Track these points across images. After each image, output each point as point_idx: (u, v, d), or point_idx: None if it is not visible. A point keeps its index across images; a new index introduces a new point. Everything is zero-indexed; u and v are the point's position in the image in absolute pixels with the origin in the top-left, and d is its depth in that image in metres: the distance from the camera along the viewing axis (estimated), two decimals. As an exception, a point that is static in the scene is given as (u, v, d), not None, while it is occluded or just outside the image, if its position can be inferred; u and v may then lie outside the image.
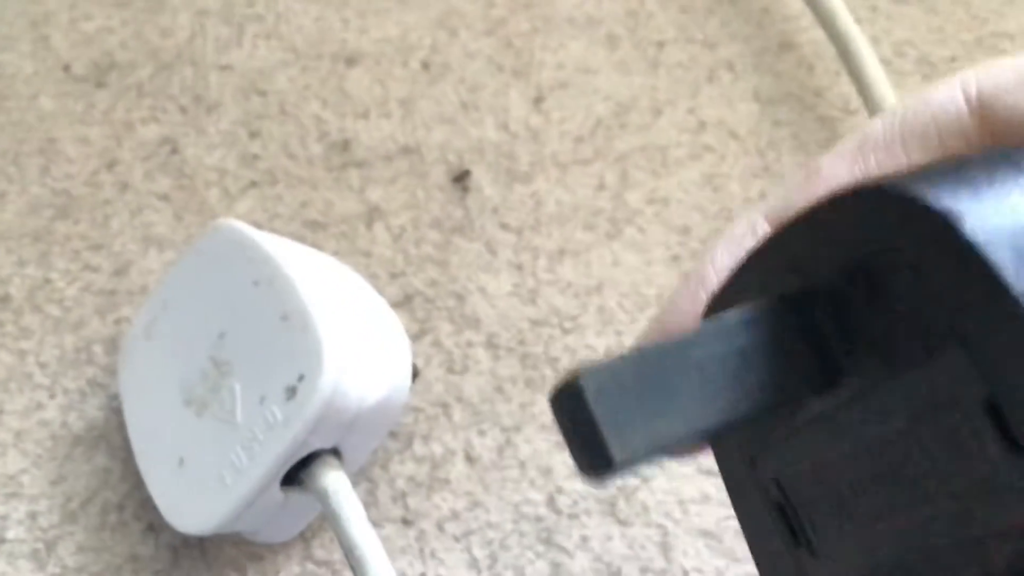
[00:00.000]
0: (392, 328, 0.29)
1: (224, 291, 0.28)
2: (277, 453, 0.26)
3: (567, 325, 0.34)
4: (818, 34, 0.41)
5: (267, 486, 0.26)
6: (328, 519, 0.27)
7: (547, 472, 0.31)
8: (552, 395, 0.13)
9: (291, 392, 0.26)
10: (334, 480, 0.27)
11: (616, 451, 0.12)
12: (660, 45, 0.41)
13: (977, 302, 0.12)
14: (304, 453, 0.26)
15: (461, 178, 0.37)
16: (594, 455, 0.13)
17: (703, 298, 0.17)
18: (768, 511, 0.16)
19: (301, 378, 0.26)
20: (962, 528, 0.13)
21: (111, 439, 0.31)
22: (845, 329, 0.14)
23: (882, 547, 0.15)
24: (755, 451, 0.16)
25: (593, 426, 0.12)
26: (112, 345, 0.32)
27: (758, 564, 0.17)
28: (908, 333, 0.13)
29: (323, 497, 0.27)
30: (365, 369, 0.27)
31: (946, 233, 0.12)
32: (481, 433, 0.32)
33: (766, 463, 0.16)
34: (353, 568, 0.26)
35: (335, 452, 0.27)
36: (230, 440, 0.27)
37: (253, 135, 0.37)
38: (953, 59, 0.42)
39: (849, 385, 0.14)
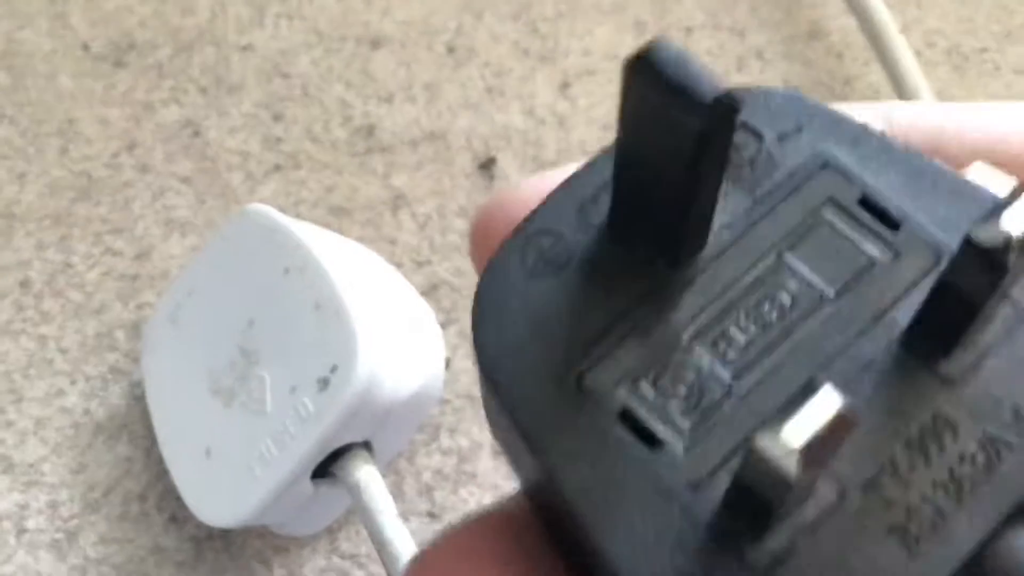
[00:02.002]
0: (424, 318, 0.29)
1: (253, 278, 0.28)
2: (309, 446, 0.25)
3: (596, 316, 0.33)
4: (848, 22, 0.41)
5: (297, 479, 0.26)
6: (359, 513, 0.26)
7: (577, 466, 0.31)
8: (631, 63, 0.12)
9: (324, 383, 0.25)
10: (365, 474, 0.26)
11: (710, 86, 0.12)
12: (688, 31, 0.40)
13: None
14: (336, 446, 0.26)
15: (487, 165, 0.36)
16: (692, 91, 0.12)
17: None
18: (605, 426, 0.14)
19: (334, 369, 0.25)
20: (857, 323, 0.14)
21: (133, 427, 0.31)
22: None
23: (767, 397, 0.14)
24: (582, 366, 0.14)
25: (684, 66, 0.12)
26: (134, 331, 0.32)
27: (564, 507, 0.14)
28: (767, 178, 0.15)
29: (355, 491, 0.26)
30: (399, 360, 0.26)
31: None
32: (509, 425, 0.31)
33: (605, 372, 0.14)
34: (385, 564, 0.26)
35: (366, 445, 0.27)
36: (259, 431, 0.26)
37: (276, 118, 0.36)
38: (983, 50, 0.41)
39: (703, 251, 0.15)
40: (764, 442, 0.11)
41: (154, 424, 0.29)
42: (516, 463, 0.15)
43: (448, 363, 0.31)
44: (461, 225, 0.35)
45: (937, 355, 0.14)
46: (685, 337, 0.14)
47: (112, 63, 0.37)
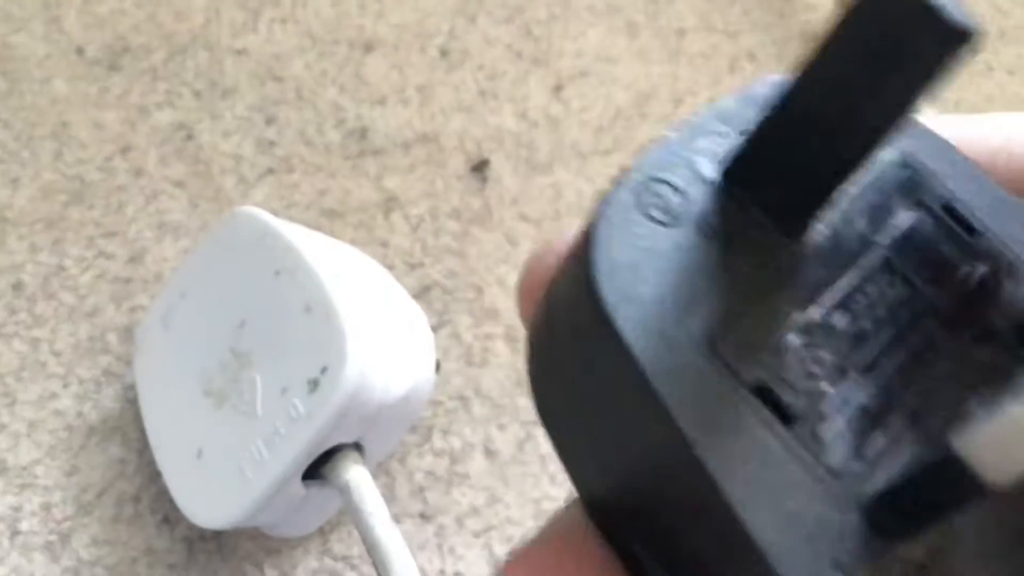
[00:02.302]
0: (415, 320, 0.29)
1: (244, 280, 0.28)
2: (299, 447, 0.25)
3: (588, 318, 0.33)
4: (841, 24, 0.41)
5: (288, 480, 0.26)
6: (350, 514, 0.26)
7: (568, 467, 0.31)
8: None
9: (314, 385, 0.25)
10: (356, 475, 0.26)
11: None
12: (681, 34, 0.40)
13: None
14: (326, 447, 0.26)
15: (480, 167, 0.36)
16: (937, 23, 0.12)
17: None
18: (740, 399, 0.13)
19: (324, 370, 0.25)
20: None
21: (126, 430, 0.31)
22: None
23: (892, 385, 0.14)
24: (713, 331, 0.14)
25: None
26: (127, 334, 0.32)
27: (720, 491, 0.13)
28: None
29: (345, 492, 0.26)
30: (389, 362, 0.26)
31: None
32: (501, 427, 0.32)
33: (736, 340, 0.14)
34: (376, 565, 0.26)
35: (357, 446, 0.27)
36: (250, 433, 0.26)
37: (269, 121, 0.36)
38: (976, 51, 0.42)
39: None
40: (970, 448, 0.11)
41: (146, 426, 0.29)
42: (607, 436, 0.14)
43: (439, 365, 0.31)
44: (454, 227, 0.35)
45: None
46: (815, 317, 0.14)
47: (106, 67, 0.37)
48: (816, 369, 0.14)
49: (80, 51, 0.37)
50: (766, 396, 0.13)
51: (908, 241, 0.15)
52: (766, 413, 0.13)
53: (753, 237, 0.14)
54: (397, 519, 0.29)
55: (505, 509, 0.30)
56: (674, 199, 0.14)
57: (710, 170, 0.14)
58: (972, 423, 0.12)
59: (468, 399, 0.32)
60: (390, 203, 0.35)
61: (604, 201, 0.14)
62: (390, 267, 0.33)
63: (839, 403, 0.14)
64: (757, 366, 0.13)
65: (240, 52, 0.38)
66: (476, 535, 0.30)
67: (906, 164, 0.15)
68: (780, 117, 0.14)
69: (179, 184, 0.35)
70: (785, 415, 0.13)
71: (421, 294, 0.33)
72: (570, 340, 0.14)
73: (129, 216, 0.34)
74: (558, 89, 0.38)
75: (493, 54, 0.39)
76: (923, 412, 0.14)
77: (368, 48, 0.38)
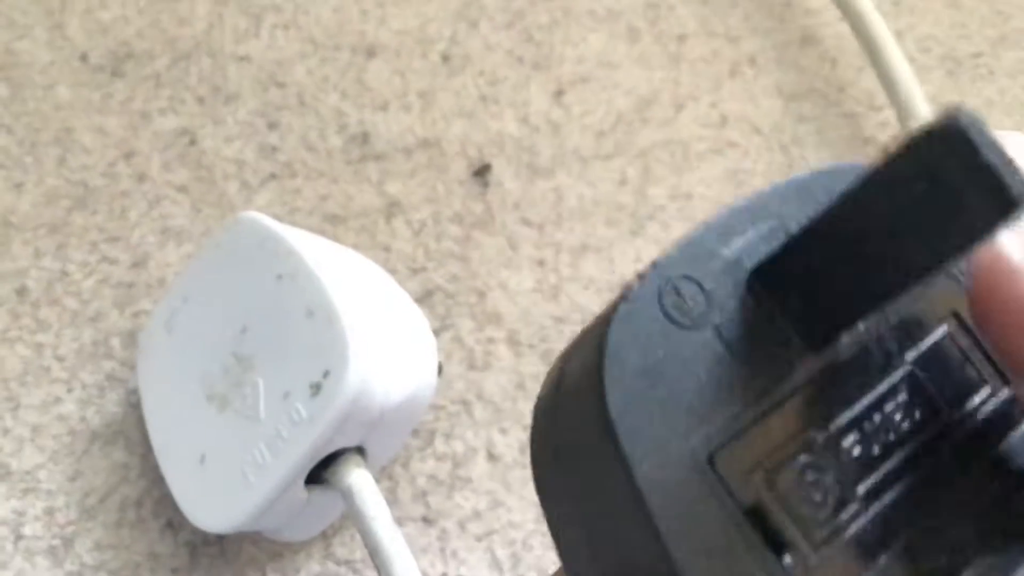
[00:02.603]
0: (417, 324, 0.29)
1: (246, 285, 0.28)
2: (302, 451, 0.25)
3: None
4: (842, 28, 0.41)
5: (291, 484, 0.26)
6: (353, 518, 0.26)
7: (570, 471, 0.31)
8: (927, 137, 0.12)
9: (316, 389, 0.25)
10: (359, 479, 0.26)
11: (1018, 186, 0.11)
12: (681, 39, 0.40)
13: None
14: (329, 451, 0.26)
15: (481, 172, 0.36)
16: (998, 193, 0.11)
17: None
18: (732, 522, 0.13)
19: (326, 374, 0.25)
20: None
21: (129, 434, 0.31)
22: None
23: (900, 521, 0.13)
24: (714, 444, 0.13)
25: (1002, 152, 0.11)
26: (130, 339, 0.32)
27: None
28: None
29: (348, 496, 0.26)
30: (391, 366, 0.26)
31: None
32: (503, 431, 0.32)
33: (737, 456, 0.13)
34: (378, 568, 0.26)
35: (360, 450, 0.27)
36: (253, 437, 0.26)
37: (272, 127, 0.37)
38: (978, 55, 0.42)
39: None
40: None
41: (149, 430, 0.29)
42: (598, 536, 0.14)
43: (442, 369, 0.32)
44: (456, 231, 0.35)
45: None
46: (822, 437, 0.14)
47: (109, 73, 0.37)
48: (816, 495, 0.13)
49: (83, 57, 0.37)
50: (759, 520, 0.13)
51: (936, 355, 0.14)
52: (756, 539, 0.13)
53: (774, 347, 0.14)
54: (399, 523, 0.29)
55: (507, 513, 0.30)
56: (698, 299, 0.14)
57: (739, 268, 0.14)
58: None
59: (470, 403, 0.32)
60: (392, 208, 0.35)
61: (626, 296, 0.14)
62: (392, 272, 0.33)
63: (833, 533, 0.13)
64: (754, 487, 0.13)
65: (243, 58, 0.38)
66: (478, 539, 0.30)
67: (949, 273, 0.15)
68: (820, 231, 0.13)
69: (182, 189, 0.35)
70: (776, 542, 0.13)
71: (423, 298, 0.33)
72: (573, 431, 0.14)
73: (132, 221, 0.34)
74: (559, 94, 0.38)
75: (494, 59, 0.39)
76: (920, 552, 0.13)
77: (370, 54, 0.39)
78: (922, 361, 0.14)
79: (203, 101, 0.37)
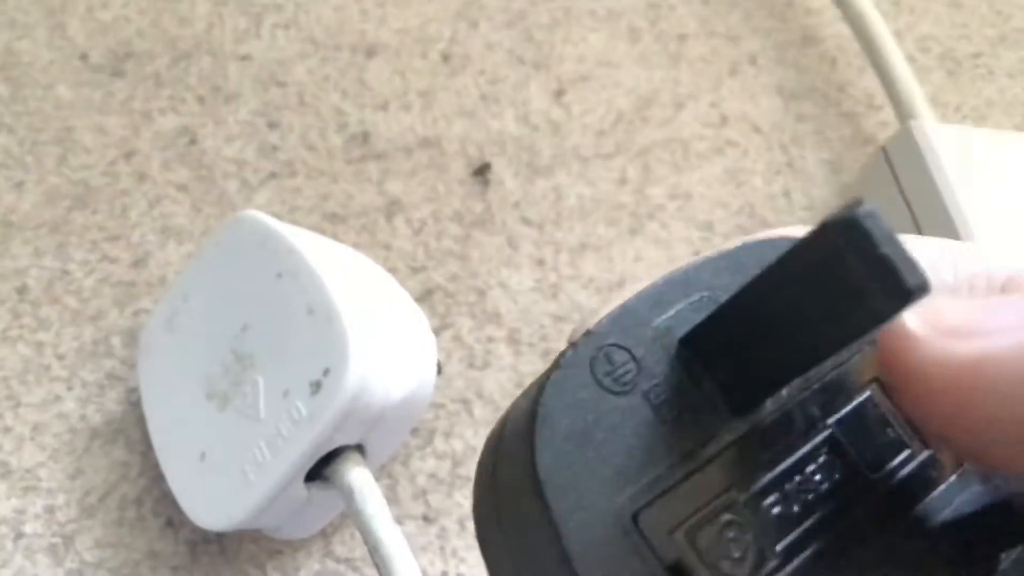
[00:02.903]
0: (417, 322, 0.29)
1: (247, 283, 0.28)
2: (301, 449, 0.25)
3: (590, 321, 0.33)
4: (841, 28, 0.41)
5: (291, 482, 0.26)
6: (352, 516, 0.26)
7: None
8: (839, 223, 0.12)
9: (316, 387, 0.25)
10: (358, 477, 0.26)
11: (912, 278, 0.12)
12: (682, 38, 0.40)
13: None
14: (328, 449, 0.26)
15: (481, 171, 0.36)
16: (894, 284, 0.12)
17: None
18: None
19: (326, 372, 0.25)
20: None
21: (129, 433, 0.31)
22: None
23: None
24: (639, 504, 0.14)
25: (899, 246, 0.12)
26: (131, 337, 0.32)
27: None
28: None
29: (347, 494, 0.26)
30: (391, 364, 0.26)
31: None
32: (503, 429, 0.32)
33: (660, 515, 0.14)
34: (378, 566, 0.26)
35: (359, 448, 0.27)
36: (253, 435, 0.26)
37: (272, 126, 0.37)
38: (977, 55, 0.42)
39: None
40: None
41: (149, 429, 0.29)
42: None
43: (441, 368, 0.32)
44: (456, 231, 0.35)
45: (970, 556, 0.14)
46: (744, 497, 0.14)
47: (110, 73, 0.37)
48: (736, 552, 0.14)
49: (84, 57, 0.37)
50: (680, 574, 0.13)
51: (857, 419, 0.15)
52: None
53: (701, 411, 0.15)
54: (399, 521, 0.30)
55: (507, 511, 0.30)
56: (629, 366, 0.15)
57: (670, 338, 0.15)
58: None
59: (470, 402, 0.32)
60: (392, 207, 0.35)
61: (559, 364, 0.14)
62: (392, 270, 0.33)
63: None
64: (676, 544, 0.14)
65: (243, 58, 0.38)
66: (478, 537, 0.30)
67: (873, 340, 0.15)
68: (741, 305, 0.14)
69: (182, 188, 0.35)
70: None
71: (423, 297, 0.33)
72: (508, 492, 0.15)
73: (133, 220, 0.34)
74: (559, 93, 0.38)
75: (495, 59, 0.39)
76: None
77: (370, 53, 0.39)
78: (844, 425, 0.15)
79: (203, 100, 0.37)
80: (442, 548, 0.30)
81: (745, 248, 0.16)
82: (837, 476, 0.15)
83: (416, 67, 0.38)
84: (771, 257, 0.13)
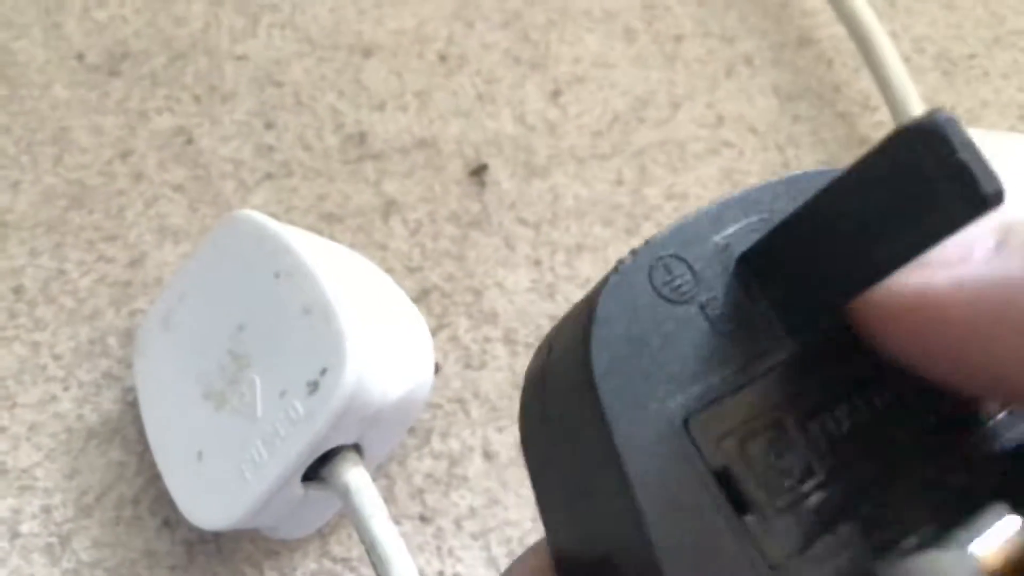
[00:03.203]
0: (414, 322, 0.29)
1: (243, 283, 0.28)
2: (298, 448, 0.25)
3: (586, 321, 0.33)
4: (837, 29, 0.41)
5: (288, 482, 0.26)
6: (349, 516, 0.26)
7: (567, 469, 0.31)
8: (918, 129, 0.13)
9: (313, 386, 0.25)
10: (355, 476, 0.26)
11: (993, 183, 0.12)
12: (678, 39, 0.41)
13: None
14: (325, 448, 0.26)
15: (478, 172, 0.36)
16: (971, 191, 0.12)
17: None
18: (701, 482, 0.14)
19: (323, 372, 0.25)
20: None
21: (126, 432, 0.31)
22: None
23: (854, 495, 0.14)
24: (690, 410, 0.14)
25: (978, 152, 0.12)
26: (127, 337, 0.32)
27: (665, 550, 0.14)
28: None
29: (344, 493, 0.26)
30: (388, 363, 0.26)
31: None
32: (499, 430, 0.32)
33: (711, 423, 0.14)
34: (375, 565, 0.26)
35: (356, 448, 0.27)
36: (250, 434, 0.26)
37: (268, 126, 0.37)
38: (972, 56, 0.42)
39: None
40: (949, 561, 0.12)
41: (146, 428, 0.29)
42: (576, 494, 0.15)
43: (439, 368, 0.32)
44: (452, 231, 0.35)
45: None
46: (794, 414, 0.14)
47: (106, 72, 0.37)
48: (783, 464, 0.14)
49: (80, 57, 0.37)
50: (726, 482, 0.14)
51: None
52: (723, 499, 0.14)
53: (757, 328, 0.15)
54: (396, 521, 0.30)
55: (504, 511, 0.31)
56: (686, 278, 0.15)
57: (728, 255, 0.15)
58: (897, 562, 0.12)
59: (467, 402, 0.32)
60: (389, 207, 0.35)
61: (618, 269, 0.14)
62: (389, 271, 0.33)
63: (796, 500, 0.14)
64: (724, 452, 0.14)
65: (240, 57, 0.38)
66: (475, 537, 0.30)
67: (1002, 197, 0.15)
68: (803, 221, 0.14)
69: (179, 188, 0.35)
70: (741, 503, 0.14)
71: (420, 297, 0.33)
72: (559, 393, 0.15)
73: (129, 220, 0.34)
74: (556, 94, 0.39)
75: (491, 59, 0.39)
76: (877, 526, 0.14)
77: (367, 53, 0.39)
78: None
79: (200, 100, 0.37)
80: (439, 548, 0.30)
81: (806, 175, 0.16)
82: (887, 403, 0.15)
83: (412, 67, 0.38)
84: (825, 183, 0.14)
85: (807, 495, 0.14)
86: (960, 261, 0.14)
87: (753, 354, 0.14)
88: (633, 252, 0.15)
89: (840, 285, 0.14)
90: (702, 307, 0.14)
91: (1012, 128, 0.40)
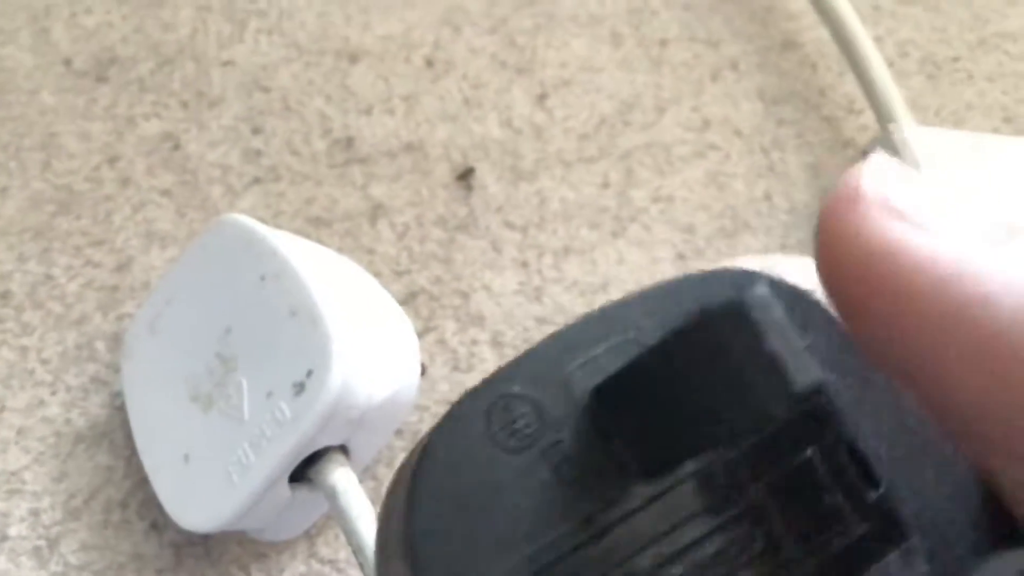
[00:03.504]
0: (400, 325, 0.29)
1: (230, 286, 0.28)
2: (285, 450, 0.26)
3: (573, 323, 0.34)
4: (822, 33, 0.41)
5: (275, 483, 0.26)
6: (336, 517, 0.27)
7: (554, 470, 0.31)
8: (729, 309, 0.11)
9: (299, 388, 0.26)
10: (342, 478, 0.26)
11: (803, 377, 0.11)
12: (663, 43, 0.41)
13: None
14: (312, 450, 0.26)
15: (465, 176, 0.36)
16: (779, 385, 0.11)
17: None
18: None
19: (310, 374, 0.26)
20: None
21: (114, 436, 0.31)
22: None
23: None
24: (531, 565, 0.13)
25: (789, 338, 0.11)
26: (115, 341, 0.32)
27: None
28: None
29: (332, 495, 0.26)
30: (374, 365, 0.26)
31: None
32: (487, 431, 0.32)
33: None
34: (362, 567, 0.26)
35: (343, 449, 0.27)
36: (237, 437, 0.26)
37: (256, 131, 0.37)
38: (956, 59, 0.42)
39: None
40: None
41: (133, 432, 0.29)
42: None
43: (425, 370, 0.32)
44: (439, 235, 0.35)
45: None
46: (647, 566, 0.13)
47: (94, 78, 0.37)
48: None
49: (68, 62, 0.38)
50: None
51: (791, 484, 0.13)
52: None
53: (607, 473, 0.13)
54: (384, 523, 0.30)
55: (491, 513, 0.31)
56: (530, 419, 0.13)
57: (583, 386, 0.13)
58: None
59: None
60: (376, 211, 0.35)
61: (450, 414, 0.13)
62: (376, 274, 0.33)
63: None
64: None
65: (227, 63, 0.38)
66: (462, 538, 0.30)
67: (819, 390, 0.13)
68: (649, 363, 0.13)
69: (166, 193, 0.35)
70: None
71: (407, 300, 0.34)
72: (383, 552, 0.13)
73: (116, 225, 0.34)
74: (542, 98, 0.39)
75: (478, 64, 0.39)
76: None
77: (354, 59, 0.39)
78: (772, 491, 0.13)
79: (187, 106, 0.37)
80: (426, 549, 0.30)
81: (687, 281, 0.14)
82: (759, 547, 0.13)
83: (400, 72, 0.39)
84: (711, 296, 0.12)
85: None
86: (940, 224, 0.12)
87: (604, 502, 0.13)
88: (472, 392, 0.13)
89: (695, 436, 0.12)
90: (543, 452, 0.13)
91: (995, 130, 0.41)
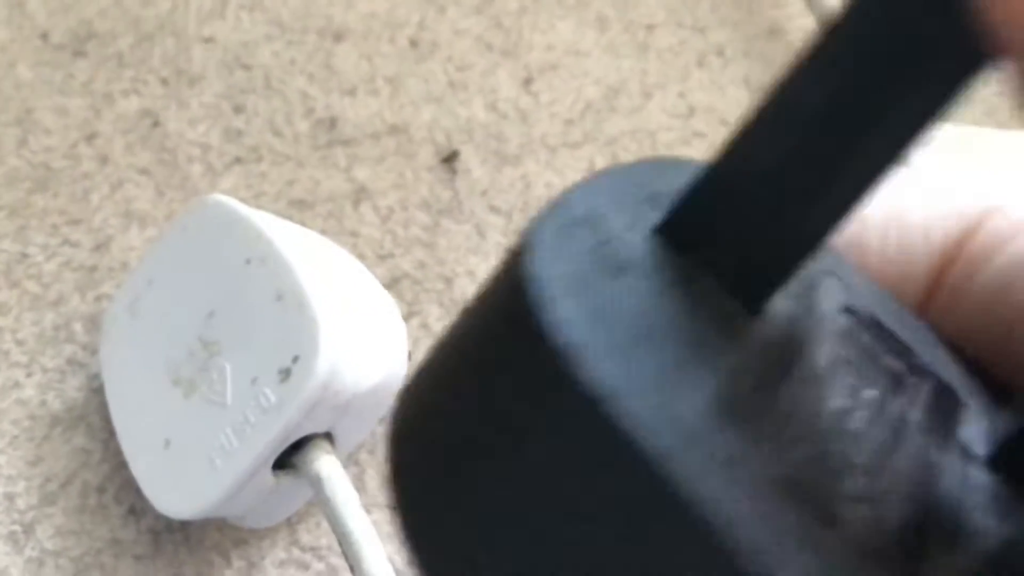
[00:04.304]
0: (387, 310, 0.29)
1: (213, 269, 0.28)
2: (270, 436, 0.25)
3: (558, 310, 0.33)
4: (808, 21, 0.41)
5: (258, 470, 0.26)
6: (321, 504, 0.26)
7: (538, 459, 0.31)
8: None
9: (285, 374, 0.25)
10: (327, 465, 0.26)
11: None
12: (650, 28, 0.40)
13: None
14: (297, 437, 0.26)
15: (450, 159, 0.36)
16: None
17: None
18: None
19: (296, 359, 0.25)
20: None
21: (91, 420, 0.30)
22: None
23: None
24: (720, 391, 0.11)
25: None
26: (92, 323, 0.32)
27: None
28: None
29: (316, 482, 0.26)
30: (361, 351, 0.26)
31: None
32: (470, 418, 0.31)
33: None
34: (346, 555, 0.26)
35: (328, 436, 0.27)
36: (220, 422, 0.26)
37: (237, 110, 0.36)
38: (941, 50, 0.42)
39: None
40: None
41: (112, 415, 0.28)
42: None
43: (410, 355, 0.31)
44: (423, 218, 0.35)
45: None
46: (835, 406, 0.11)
47: (71, 53, 0.37)
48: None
49: (44, 36, 0.37)
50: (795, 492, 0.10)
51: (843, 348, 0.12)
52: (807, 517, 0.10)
53: (706, 306, 0.11)
54: (367, 510, 0.29)
55: (474, 500, 0.30)
56: (610, 245, 0.11)
57: (649, 219, 0.12)
58: None
59: (437, 390, 0.32)
60: (360, 194, 0.35)
61: (536, 239, 0.11)
62: (360, 258, 0.33)
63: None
64: (791, 451, 0.10)
65: (208, 40, 0.38)
66: (445, 526, 0.30)
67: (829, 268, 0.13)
68: (738, 160, 0.11)
69: (145, 172, 0.34)
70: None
71: (391, 285, 0.33)
72: (505, 395, 0.11)
73: (94, 204, 0.34)
74: (528, 81, 0.38)
75: (463, 45, 0.39)
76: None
77: (337, 38, 0.38)
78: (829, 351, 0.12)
79: (167, 83, 0.36)
80: (409, 537, 0.30)
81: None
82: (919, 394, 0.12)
83: (384, 52, 0.38)
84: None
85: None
86: None
87: (710, 336, 0.11)
88: (542, 218, 0.11)
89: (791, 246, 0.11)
90: (636, 278, 0.11)
91: (977, 123, 0.41)
